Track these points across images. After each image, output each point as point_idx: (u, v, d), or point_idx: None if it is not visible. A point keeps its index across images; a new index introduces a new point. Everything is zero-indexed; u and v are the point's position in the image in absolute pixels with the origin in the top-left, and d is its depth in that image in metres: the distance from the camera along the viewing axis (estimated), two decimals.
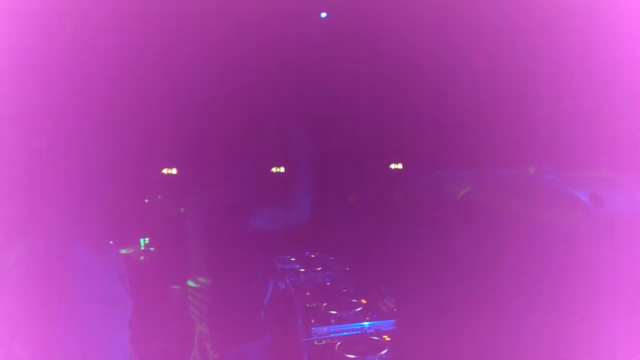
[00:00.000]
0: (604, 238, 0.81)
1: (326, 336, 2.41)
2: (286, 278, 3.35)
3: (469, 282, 1.50)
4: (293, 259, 3.97)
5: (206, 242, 2.56)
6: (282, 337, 2.71)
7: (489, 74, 2.34)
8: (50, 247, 1.63)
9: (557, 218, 0.86)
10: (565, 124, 1.74)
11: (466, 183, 1.01)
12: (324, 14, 4.14)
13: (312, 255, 4.16)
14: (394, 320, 2.51)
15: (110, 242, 1.93)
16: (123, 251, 4.47)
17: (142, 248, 4.74)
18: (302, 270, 3.63)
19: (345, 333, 2.45)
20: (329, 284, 3.29)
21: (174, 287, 4.14)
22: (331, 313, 2.61)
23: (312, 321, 2.49)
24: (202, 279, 2.53)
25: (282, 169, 5.54)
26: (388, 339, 2.39)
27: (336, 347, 2.29)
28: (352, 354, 2.19)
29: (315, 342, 2.35)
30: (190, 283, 2.58)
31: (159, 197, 5.27)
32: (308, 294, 3.00)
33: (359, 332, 2.47)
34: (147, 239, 4.80)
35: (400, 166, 4.92)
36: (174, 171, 5.64)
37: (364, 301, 2.80)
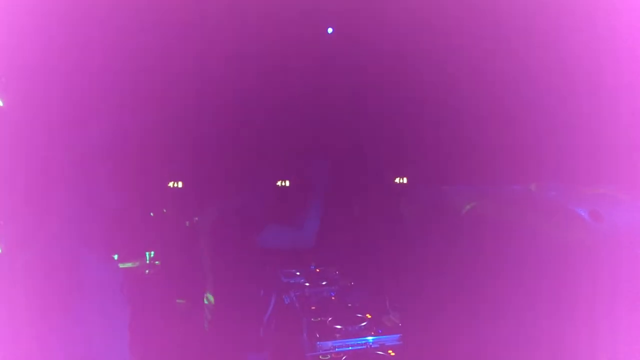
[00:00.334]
0: (602, 253, 0.83)
1: (331, 351, 2.41)
2: (291, 292, 3.36)
3: (473, 296, 1.51)
4: (298, 273, 3.98)
5: (207, 258, 2.57)
6: (287, 352, 2.71)
7: (495, 92, 2.37)
8: (56, 258, 1.65)
9: (556, 233, 0.88)
10: (567, 141, 1.76)
11: (471, 198, 1.03)
12: (330, 30, 4.20)
13: (317, 270, 4.16)
14: (399, 335, 2.51)
15: (115, 256, 1.95)
16: (128, 264, 4.49)
17: (148, 262, 4.75)
18: (307, 284, 3.63)
19: (350, 348, 2.45)
20: (334, 298, 3.29)
21: (178, 301, 4.15)
22: (336, 327, 2.61)
23: (317, 335, 2.49)
24: (208, 295, 2.55)
25: (287, 184, 5.57)
26: (393, 353, 2.39)
27: None
28: None
29: (321, 357, 2.36)
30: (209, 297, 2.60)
31: (164, 210, 5.30)
32: (313, 308, 3.00)
33: (364, 346, 2.47)
34: (152, 252, 4.82)
35: (405, 181, 4.94)
36: (179, 184, 5.67)
37: (369, 316, 2.80)
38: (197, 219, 4.32)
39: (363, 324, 2.67)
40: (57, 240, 1.69)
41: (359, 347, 2.46)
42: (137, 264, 4.60)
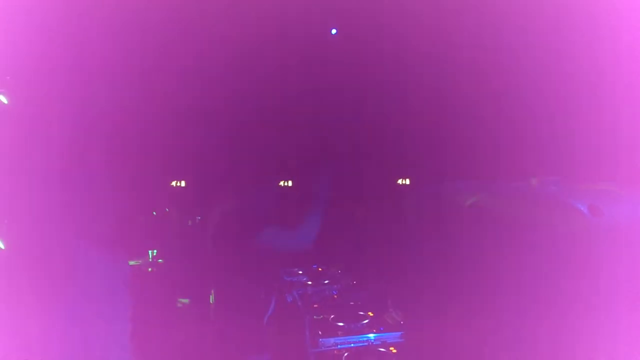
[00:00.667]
0: (601, 247, 0.85)
1: (333, 347, 2.43)
2: (294, 291, 3.37)
3: (474, 293, 1.52)
4: (301, 272, 3.99)
5: (207, 258, 2.56)
6: (290, 349, 2.73)
7: (496, 90, 2.38)
8: (59, 255, 1.67)
9: (556, 227, 0.90)
10: (568, 137, 1.77)
11: (472, 194, 1.05)
12: (334, 31, 4.22)
13: (320, 269, 4.18)
14: (400, 333, 2.53)
15: (119, 253, 1.96)
16: (131, 263, 4.51)
17: (150, 260, 4.77)
18: (310, 283, 3.64)
19: (352, 345, 2.47)
20: (336, 296, 3.31)
21: (180, 300, 4.17)
22: (338, 325, 2.63)
23: (320, 333, 2.51)
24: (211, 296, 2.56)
25: (290, 185, 5.58)
26: (394, 350, 2.40)
27: (343, 358, 2.31)
28: None
29: (323, 354, 2.38)
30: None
31: (167, 210, 5.32)
32: (316, 306, 3.02)
33: (365, 344, 2.49)
34: (155, 250, 4.83)
35: (407, 180, 4.96)
36: (182, 184, 5.70)
37: (370, 314, 2.82)
38: (199, 218, 4.34)
39: (365, 321, 2.69)
40: (61, 237, 1.70)
41: (361, 344, 2.48)
42: (139, 262, 4.62)
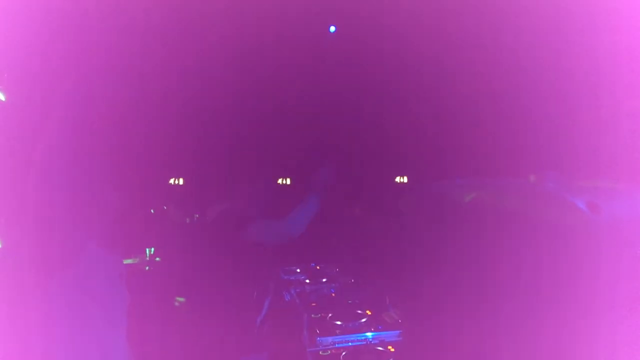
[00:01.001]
0: (601, 245, 0.84)
1: (331, 346, 2.42)
2: (292, 289, 3.37)
3: (473, 291, 1.51)
4: (298, 271, 3.99)
5: (199, 257, 2.52)
6: (288, 347, 2.72)
7: (494, 87, 2.37)
8: (55, 253, 1.65)
9: (555, 225, 0.89)
10: (567, 134, 1.76)
11: (469, 191, 1.04)
12: (332, 28, 4.21)
13: (318, 267, 4.18)
14: (398, 331, 2.52)
15: (115, 251, 1.94)
16: (128, 261, 4.50)
17: (147, 258, 4.76)
18: (308, 281, 3.64)
19: (350, 343, 2.46)
20: (334, 295, 3.30)
21: (177, 299, 4.15)
22: (336, 324, 2.63)
23: (318, 331, 2.50)
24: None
25: (288, 182, 5.57)
26: (392, 349, 2.40)
27: (341, 357, 2.31)
28: None
29: (321, 352, 2.37)
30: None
31: (165, 207, 5.30)
32: (313, 304, 3.01)
33: (363, 342, 2.48)
34: (152, 249, 4.82)
35: (405, 178, 4.94)
36: (180, 181, 5.68)
37: (368, 312, 2.82)
38: (197, 216, 4.33)
39: (363, 320, 2.68)
40: (59, 234, 1.69)
41: (359, 343, 2.47)
42: (137, 260, 4.61)
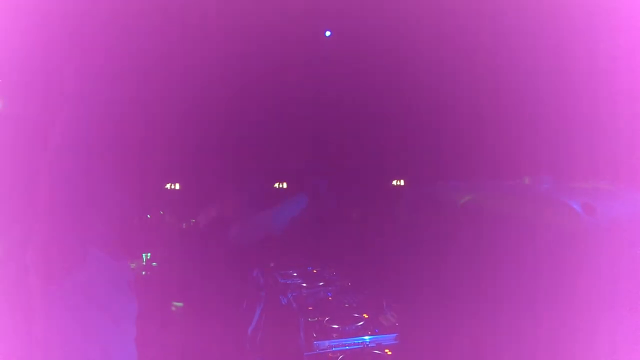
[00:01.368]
0: (595, 245, 0.84)
1: (328, 350, 2.41)
2: (288, 293, 3.36)
3: (469, 294, 1.52)
4: (295, 274, 3.98)
5: (191, 264, 2.47)
6: (284, 352, 2.71)
7: (490, 89, 2.38)
8: (52, 257, 1.64)
9: (550, 226, 0.90)
10: (563, 136, 1.77)
11: (465, 193, 1.04)
12: (328, 33, 4.22)
13: (315, 271, 4.17)
14: (395, 334, 2.52)
15: (119, 257, 1.92)
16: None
17: (144, 263, 4.73)
18: (304, 285, 3.63)
19: (347, 347, 2.46)
20: (331, 298, 3.29)
21: (175, 304, 4.13)
22: (333, 327, 2.62)
23: (314, 335, 2.50)
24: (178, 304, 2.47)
25: (285, 186, 5.55)
26: (390, 352, 2.39)
27: None
28: None
29: (318, 356, 2.36)
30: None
31: (161, 212, 5.28)
32: (310, 308, 3.00)
33: (360, 346, 2.47)
34: (149, 254, 4.80)
35: (402, 181, 4.94)
36: (177, 186, 5.66)
37: (366, 315, 2.81)
38: (193, 220, 4.31)
39: (360, 323, 2.67)
40: (54, 239, 1.68)
41: (356, 347, 2.47)
42: (134, 265, 4.58)
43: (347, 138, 4.98)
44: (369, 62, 3.90)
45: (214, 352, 2.34)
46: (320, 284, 3.64)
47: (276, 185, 5.70)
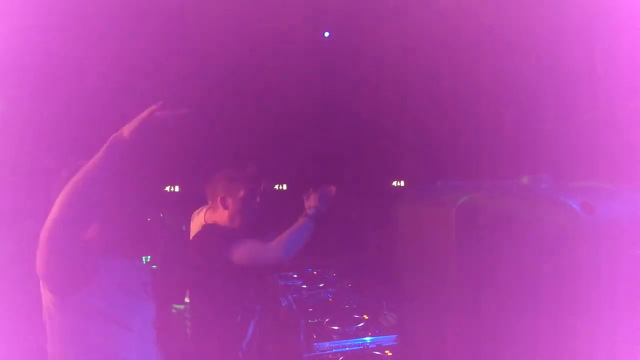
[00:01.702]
0: (594, 244, 0.84)
1: (328, 351, 2.41)
2: (288, 294, 3.35)
3: (469, 294, 1.51)
4: (295, 276, 3.98)
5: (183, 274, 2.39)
6: (284, 353, 2.70)
7: (488, 90, 2.38)
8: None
9: (548, 225, 0.89)
10: (562, 136, 1.77)
11: (463, 193, 1.04)
12: (327, 34, 4.22)
13: (315, 272, 4.16)
14: (396, 335, 2.51)
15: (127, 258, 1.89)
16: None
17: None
18: (305, 286, 3.63)
19: (347, 348, 2.45)
20: (331, 300, 3.29)
21: (175, 306, 4.13)
22: (333, 329, 2.61)
23: (315, 337, 2.49)
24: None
25: (285, 188, 5.55)
26: (390, 354, 2.39)
27: None
28: None
29: (318, 358, 2.36)
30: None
31: (161, 215, 5.29)
32: (310, 310, 3.00)
33: (361, 347, 2.47)
34: (148, 257, 4.79)
35: (402, 182, 4.94)
36: (176, 189, 5.66)
37: (366, 317, 2.80)
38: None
39: (360, 324, 2.67)
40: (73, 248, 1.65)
41: (356, 348, 2.46)
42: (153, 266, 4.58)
43: (348, 140, 4.98)
44: (368, 64, 3.90)
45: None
46: (321, 285, 3.64)
47: (276, 186, 5.69)
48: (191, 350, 2.36)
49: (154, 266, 4.76)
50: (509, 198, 1.03)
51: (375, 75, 3.84)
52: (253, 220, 2.39)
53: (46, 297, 1.54)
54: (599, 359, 0.86)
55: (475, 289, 1.46)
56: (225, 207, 2.33)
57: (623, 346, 0.93)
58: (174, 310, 3.90)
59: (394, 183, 5.11)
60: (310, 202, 2.40)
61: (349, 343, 2.47)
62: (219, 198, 2.34)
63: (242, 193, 2.33)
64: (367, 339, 2.50)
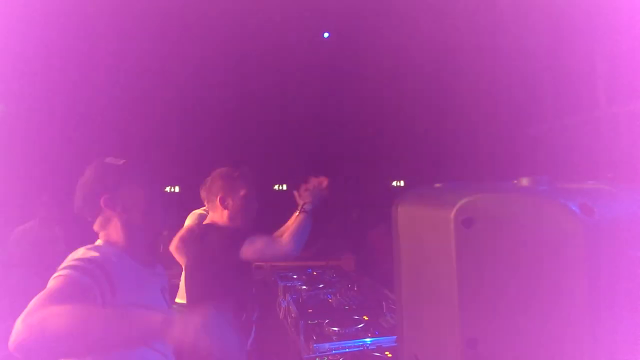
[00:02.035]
0: (593, 245, 0.83)
1: (328, 352, 2.40)
2: (288, 295, 3.35)
3: (468, 295, 1.50)
4: (295, 277, 3.97)
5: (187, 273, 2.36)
6: (284, 354, 2.70)
7: (488, 89, 2.38)
8: (53, 261, 1.62)
9: (547, 227, 0.89)
10: (561, 138, 1.76)
11: (462, 194, 1.03)
12: (326, 35, 4.22)
13: (315, 273, 4.16)
14: (395, 337, 2.50)
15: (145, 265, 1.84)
16: None
17: None
18: (304, 287, 3.62)
19: (347, 350, 2.44)
20: (330, 301, 3.28)
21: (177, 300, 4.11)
22: (333, 330, 2.60)
23: (314, 338, 2.48)
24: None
25: (284, 188, 5.55)
26: (390, 355, 2.38)
27: None
28: None
29: (317, 359, 2.35)
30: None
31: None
32: (310, 310, 2.99)
33: (360, 348, 2.46)
34: None
35: (402, 182, 4.94)
36: (176, 189, 5.66)
37: (366, 318, 2.80)
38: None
39: (360, 325, 2.66)
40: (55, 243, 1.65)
41: (356, 349, 2.45)
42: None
43: (348, 140, 4.97)
44: (367, 66, 3.89)
45: None
46: (320, 286, 3.63)
47: (276, 187, 5.69)
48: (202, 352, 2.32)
49: None
50: (507, 199, 1.02)
51: (375, 75, 3.83)
52: (253, 219, 2.39)
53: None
54: (599, 358, 0.85)
55: (475, 289, 1.45)
56: (225, 207, 2.32)
57: (623, 346, 0.92)
58: (175, 307, 3.89)
59: (394, 183, 5.11)
60: (305, 198, 2.39)
61: (349, 344, 2.46)
62: (218, 198, 2.32)
63: (242, 192, 2.33)
64: (367, 340, 2.49)
